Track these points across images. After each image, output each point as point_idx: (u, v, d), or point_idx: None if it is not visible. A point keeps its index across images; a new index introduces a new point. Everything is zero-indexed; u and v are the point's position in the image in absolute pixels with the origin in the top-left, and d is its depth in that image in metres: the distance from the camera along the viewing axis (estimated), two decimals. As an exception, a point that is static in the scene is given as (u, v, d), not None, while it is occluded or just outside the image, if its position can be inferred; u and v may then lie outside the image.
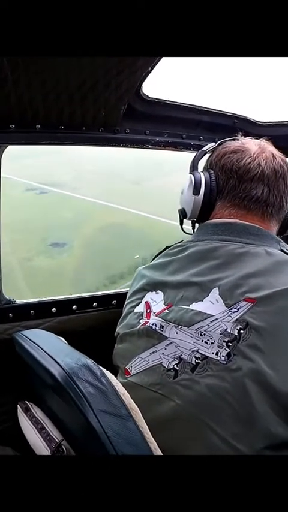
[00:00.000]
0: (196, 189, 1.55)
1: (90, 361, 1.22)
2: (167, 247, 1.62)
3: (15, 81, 1.45)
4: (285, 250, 1.40)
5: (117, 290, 2.08)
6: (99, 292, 2.08)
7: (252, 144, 1.54)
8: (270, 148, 1.55)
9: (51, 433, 1.34)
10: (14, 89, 1.49)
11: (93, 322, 2.00)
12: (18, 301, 1.89)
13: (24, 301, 1.91)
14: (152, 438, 1.12)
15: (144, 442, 1.10)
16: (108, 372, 1.22)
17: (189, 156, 1.75)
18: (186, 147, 2.06)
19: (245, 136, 1.61)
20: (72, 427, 1.24)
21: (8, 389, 1.82)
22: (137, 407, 1.16)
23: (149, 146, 1.97)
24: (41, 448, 1.33)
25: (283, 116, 2.19)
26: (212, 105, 2.02)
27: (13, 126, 1.64)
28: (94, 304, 2.03)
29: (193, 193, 1.55)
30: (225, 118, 2.09)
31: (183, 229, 1.69)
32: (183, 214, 1.65)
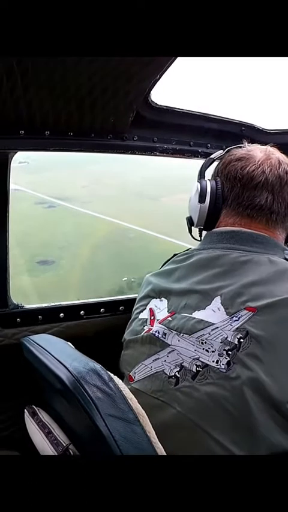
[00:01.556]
0: (201, 197, 1.55)
1: (98, 366, 1.22)
2: (174, 255, 1.63)
3: (24, 88, 1.47)
4: None
5: (125, 296, 2.09)
6: (107, 298, 2.09)
7: (257, 151, 1.53)
8: (277, 155, 1.53)
9: (58, 437, 1.35)
10: (24, 95, 1.50)
11: (101, 328, 2.00)
12: (27, 306, 1.90)
13: (32, 306, 1.93)
14: (159, 443, 1.12)
15: (151, 446, 1.10)
16: (115, 376, 1.23)
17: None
18: (193, 154, 2.07)
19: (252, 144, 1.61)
20: (80, 431, 1.25)
21: (15, 394, 1.83)
22: (144, 412, 1.16)
23: (157, 153, 1.99)
24: (48, 452, 1.33)
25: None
26: (219, 113, 2.03)
27: (22, 132, 1.66)
28: (102, 309, 2.04)
29: (199, 201, 1.55)
30: (233, 126, 2.10)
31: (193, 236, 1.69)
32: (190, 222, 1.65)
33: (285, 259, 1.39)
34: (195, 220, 1.60)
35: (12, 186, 1.78)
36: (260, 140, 1.92)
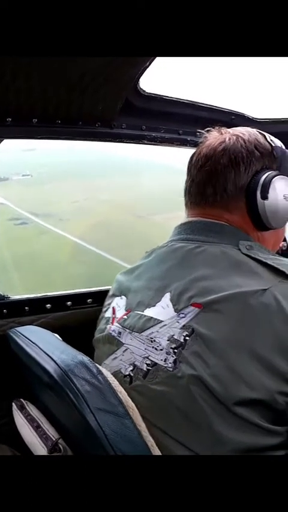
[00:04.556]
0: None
1: (86, 359, 1.21)
2: (146, 252, 1.57)
3: (12, 75, 1.44)
4: (242, 249, 1.30)
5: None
6: (94, 289, 2.06)
7: (211, 137, 1.47)
8: (228, 135, 1.44)
9: (47, 431, 1.32)
10: (12, 82, 1.47)
11: (88, 319, 1.97)
12: (13, 297, 1.87)
13: (19, 297, 1.90)
14: (150, 436, 1.11)
15: (141, 439, 1.09)
16: (104, 369, 1.22)
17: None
18: (182, 143, 2.05)
19: None
20: (69, 425, 1.23)
21: (2, 387, 1.80)
22: (134, 405, 1.15)
23: (145, 141, 1.97)
24: (37, 446, 1.32)
25: (281, 113, 2.18)
26: (210, 101, 2.01)
27: (9, 119, 1.63)
28: (89, 300, 2.01)
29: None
30: (223, 114, 2.08)
31: None
32: None
33: (239, 249, 1.30)
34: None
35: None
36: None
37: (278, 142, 1.47)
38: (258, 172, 1.38)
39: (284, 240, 2.57)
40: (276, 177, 1.37)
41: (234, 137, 1.42)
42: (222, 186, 1.38)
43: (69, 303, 1.96)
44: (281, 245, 1.58)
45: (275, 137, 1.52)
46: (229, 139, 1.41)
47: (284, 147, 1.48)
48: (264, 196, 1.36)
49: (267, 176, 1.37)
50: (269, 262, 1.24)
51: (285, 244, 2.63)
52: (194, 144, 1.89)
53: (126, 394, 1.16)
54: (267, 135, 1.47)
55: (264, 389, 1.10)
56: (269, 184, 1.36)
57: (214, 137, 1.46)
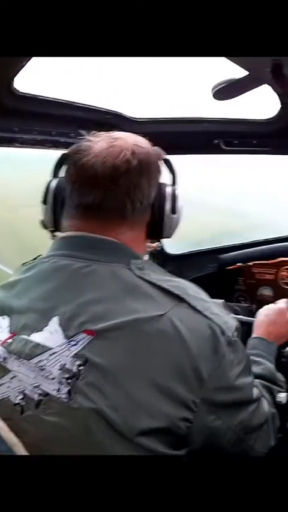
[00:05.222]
0: (43, 198, 1.41)
1: None
2: (23, 264, 1.43)
3: None
4: (134, 271, 1.23)
5: None
6: None
7: (101, 142, 1.33)
8: (123, 143, 1.32)
9: None
10: None
11: None
12: None
13: None
14: None
15: None
16: None
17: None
18: (54, 145, 1.96)
19: None
20: None
21: None
22: (15, 439, 1.08)
23: (17, 144, 1.86)
24: None
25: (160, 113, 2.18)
26: (91, 101, 1.95)
27: None
28: None
29: (41, 202, 1.42)
30: (98, 114, 2.02)
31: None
32: (44, 225, 1.47)
33: (130, 269, 1.24)
34: (45, 223, 1.45)
35: None
36: (129, 130, 1.85)
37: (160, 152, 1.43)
38: (159, 185, 1.36)
39: (159, 240, 2.59)
40: (176, 190, 1.39)
41: (141, 148, 1.32)
42: (139, 201, 1.30)
43: None
44: (155, 245, 1.55)
45: (155, 138, 1.43)
46: (137, 150, 1.31)
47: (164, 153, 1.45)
48: (174, 210, 1.37)
49: (172, 189, 1.37)
50: (163, 285, 1.20)
51: (160, 245, 2.65)
52: (67, 146, 1.81)
53: (7, 429, 1.08)
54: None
55: (165, 417, 1.08)
56: (175, 197, 1.37)
57: (112, 145, 1.31)
